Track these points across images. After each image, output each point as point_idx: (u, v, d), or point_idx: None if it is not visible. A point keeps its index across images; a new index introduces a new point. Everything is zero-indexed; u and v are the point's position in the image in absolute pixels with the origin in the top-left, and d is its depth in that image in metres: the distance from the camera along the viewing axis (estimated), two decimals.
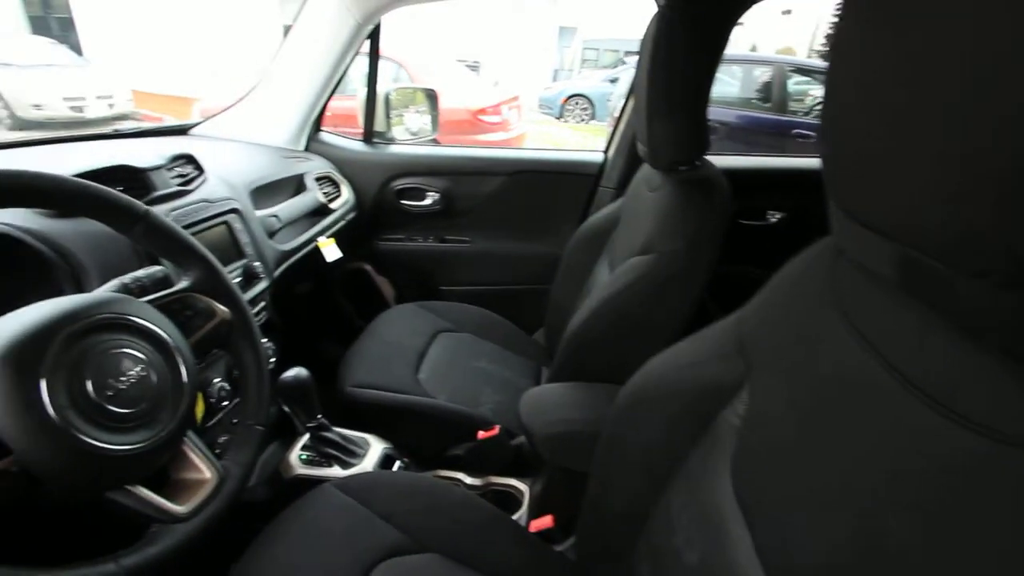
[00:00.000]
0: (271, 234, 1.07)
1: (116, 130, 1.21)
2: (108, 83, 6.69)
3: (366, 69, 1.45)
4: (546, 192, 1.53)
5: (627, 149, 1.41)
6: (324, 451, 0.95)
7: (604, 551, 0.61)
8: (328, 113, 1.47)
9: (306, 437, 0.97)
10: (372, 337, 1.19)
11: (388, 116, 1.52)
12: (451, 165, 1.53)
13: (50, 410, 0.45)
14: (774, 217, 1.51)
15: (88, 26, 9.58)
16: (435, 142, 1.67)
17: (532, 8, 13.43)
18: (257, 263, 0.96)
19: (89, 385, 0.48)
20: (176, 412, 0.54)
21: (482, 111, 4.50)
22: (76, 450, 0.46)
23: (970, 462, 0.28)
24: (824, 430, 0.37)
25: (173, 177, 0.88)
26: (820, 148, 0.35)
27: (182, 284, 0.64)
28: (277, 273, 1.05)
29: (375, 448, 0.99)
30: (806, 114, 4.96)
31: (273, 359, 1.00)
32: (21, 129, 5.95)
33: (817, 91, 5.10)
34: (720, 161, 0.96)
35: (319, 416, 0.93)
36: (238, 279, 0.91)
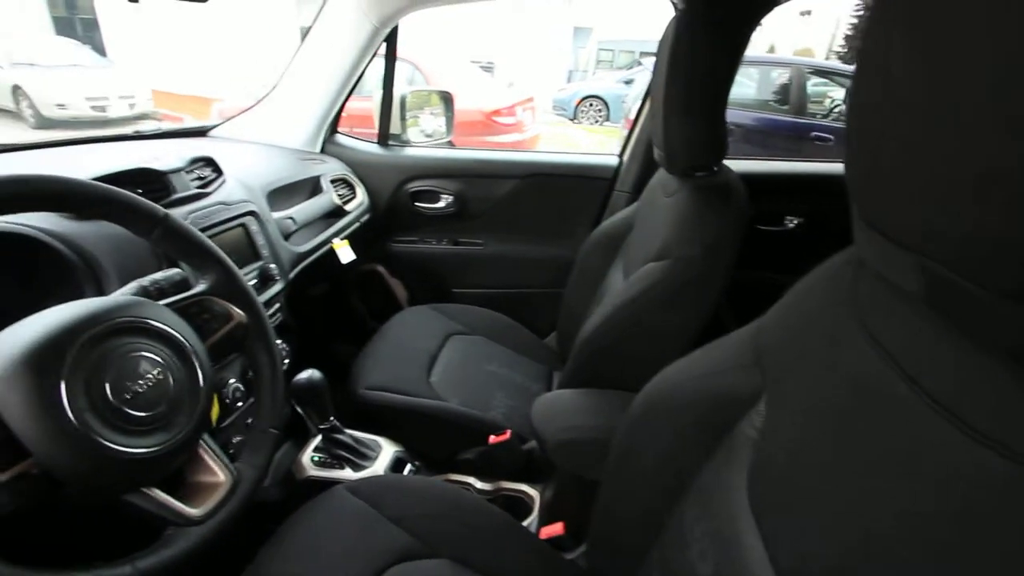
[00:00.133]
0: (287, 236, 1.07)
1: (138, 131, 1.23)
2: (130, 83, 6.84)
3: (382, 71, 1.46)
4: (560, 196, 1.52)
5: (642, 153, 1.40)
6: (336, 453, 0.96)
7: (615, 561, 0.60)
8: (344, 114, 1.48)
9: (318, 438, 0.98)
10: (385, 339, 1.20)
11: (403, 118, 1.53)
12: (465, 168, 1.53)
13: (69, 413, 0.45)
14: (791, 222, 1.49)
15: (111, 27, 9.78)
16: (450, 144, 1.67)
17: (547, 9, 13.43)
18: (273, 265, 0.97)
19: (107, 388, 0.48)
20: (192, 415, 0.55)
21: (496, 112, 4.49)
22: (94, 453, 0.46)
23: (988, 479, 0.28)
24: (844, 444, 0.37)
25: (192, 180, 0.89)
26: (844, 157, 0.34)
27: (199, 287, 0.65)
28: (292, 275, 1.06)
29: (386, 451, 1.00)
30: (824, 117, 4.89)
31: (287, 360, 1.01)
32: (46, 128, 6.09)
33: (836, 93, 5.03)
34: (736, 165, 0.95)
35: (331, 418, 0.93)
36: (254, 281, 0.92)
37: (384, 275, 1.63)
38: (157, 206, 0.61)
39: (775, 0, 0.91)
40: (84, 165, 0.74)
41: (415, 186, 1.53)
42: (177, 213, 0.73)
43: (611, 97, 8.93)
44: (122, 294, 0.62)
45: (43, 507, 0.47)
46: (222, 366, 0.81)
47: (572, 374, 0.98)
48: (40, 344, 0.46)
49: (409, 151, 1.56)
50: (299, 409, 0.94)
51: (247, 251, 0.93)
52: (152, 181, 0.81)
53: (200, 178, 0.92)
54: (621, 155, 1.49)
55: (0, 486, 0.43)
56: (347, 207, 1.34)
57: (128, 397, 0.50)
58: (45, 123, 6.13)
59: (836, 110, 4.87)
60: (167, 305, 0.59)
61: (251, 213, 0.96)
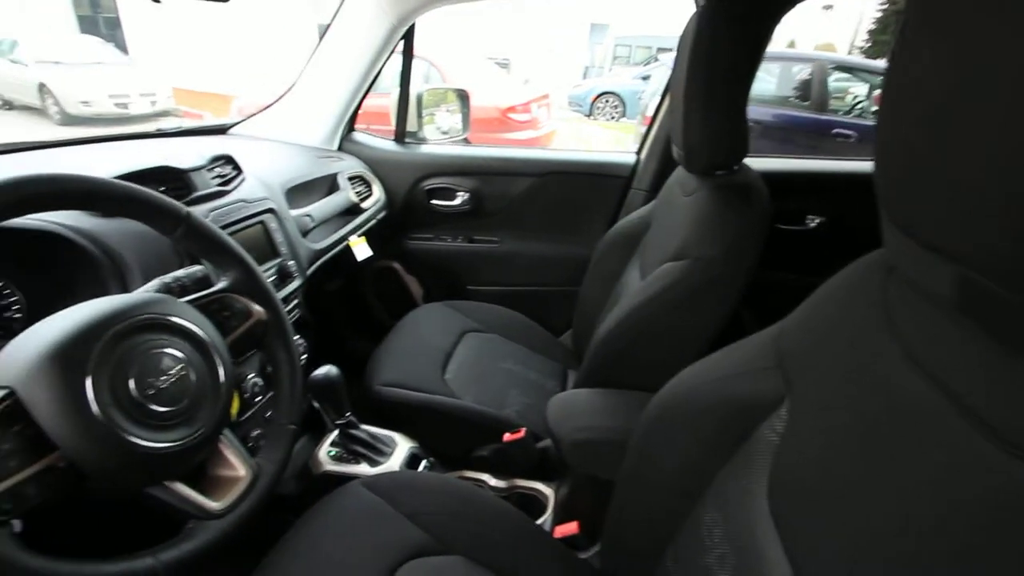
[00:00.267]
0: (304, 233, 1.09)
1: (159, 129, 1.25)
2: (151, 81, 6.96)
3: (399, 68, 1.47)
4: (576, 193, 1.51)
5: (660, 151, 1.38)
6: (352, 448, 0.97)
7: (629, 563, 0.60)
8: (360, 111, 1.49)
9: (335, 433, 0.99)
10: (400, 336, 1.20)
11: (420, 116, 1.53)
12: (481, 165, 1.53)
13: (95, 408, 0.46)
14: (813, 222, 1.46)
15: (133, 25, 9.95)
16: (466, 141, 1.67)
17: (563, 5, 13.35)
18: (291, 262, 0.98)
19: (131, 383, 0.49)
20: (214, 410, 0.56)
21: (511, 109, 4.48)
22: (119, 447, 0.47)
23: (1021, 493, 0.27)
24: (871, 452, 0.36)
25: (213, 178, 0.91)
26: (874, 163, 0.33)
27: (220, 285, 0.66)
28: (310, 271, 1.07)
29: (402, 447, 1.00)
30: (847, 113, 4.79)
31: (304, 356, 1.02)
32: (70, 124, 6.23)
33: (858, 89, 4.91)
34: (756, 163, 0.93)
35: (348, 414, 0.94)
36: (272, 278, 0.93)
37: (400, 272, 1.64)
38: (179, 204, 0.62)
39: None
40: (108, 163, 0.76)
41: (431, 183, 1.53)
42: (198, 211, 0.74)
43: (627, 93, 8.86)
44: (145, 291, 0.63)
45: (68, 500, 0.48)
46: (241, 361, 0.82)
47: (587, 374, 0.97)
48: (67, 340, 0.47)
49: (425, 148, 1.56)
50: (316, 404, 0.95)
51: (266, 248, 0.95)
52: (174, 179, 0.83)
53: (220, 176, 0.93)
54: (638, 153, 1.47)
55: (28, 479, 0.44)
56: (364, 204, 1.35)
57: (151, 392, 0.51)
58: (69, 120, 6.26)
59: (859, 106, 4.77)
60: (189, 302, 0.60)
61: (270, 211, 0.98)
